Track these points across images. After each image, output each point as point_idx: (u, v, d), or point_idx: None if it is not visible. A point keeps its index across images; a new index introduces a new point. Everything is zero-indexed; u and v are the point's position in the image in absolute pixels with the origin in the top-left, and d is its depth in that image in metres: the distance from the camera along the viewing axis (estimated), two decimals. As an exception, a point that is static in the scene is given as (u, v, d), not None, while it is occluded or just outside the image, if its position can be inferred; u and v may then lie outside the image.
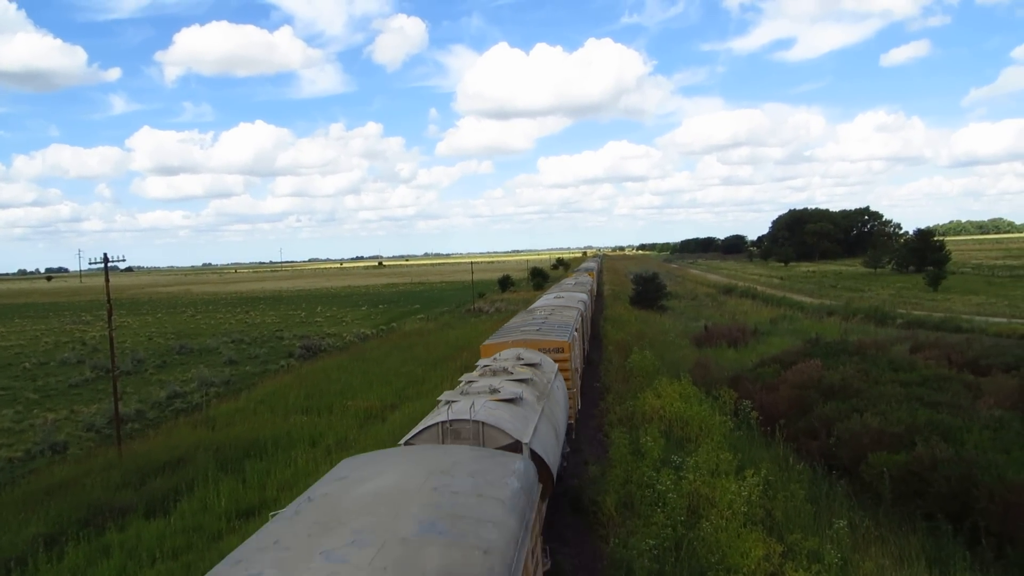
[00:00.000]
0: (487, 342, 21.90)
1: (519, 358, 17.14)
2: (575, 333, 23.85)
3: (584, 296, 38.47)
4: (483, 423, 11.24)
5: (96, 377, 43.31)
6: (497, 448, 10.60)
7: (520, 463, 9.07)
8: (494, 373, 15.25)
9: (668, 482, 13.72)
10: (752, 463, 15.91)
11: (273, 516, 7.26)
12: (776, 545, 11.42)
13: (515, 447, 10.97)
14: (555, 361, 18.83)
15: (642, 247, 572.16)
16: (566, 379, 19.12)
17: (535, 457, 11.18)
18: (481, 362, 17.61)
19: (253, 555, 6.11)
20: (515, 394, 13.09)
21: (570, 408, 18.61)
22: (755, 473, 13.94)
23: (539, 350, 19.06)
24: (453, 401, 12.54)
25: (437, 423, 11.44)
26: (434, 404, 14.47)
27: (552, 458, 12.52)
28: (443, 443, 11.06)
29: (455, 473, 7.95)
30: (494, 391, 13.11)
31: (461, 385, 14.42)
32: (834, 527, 12.38)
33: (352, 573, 5.54)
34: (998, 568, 12.62)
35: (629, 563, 11.39)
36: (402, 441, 11.52)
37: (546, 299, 36.54)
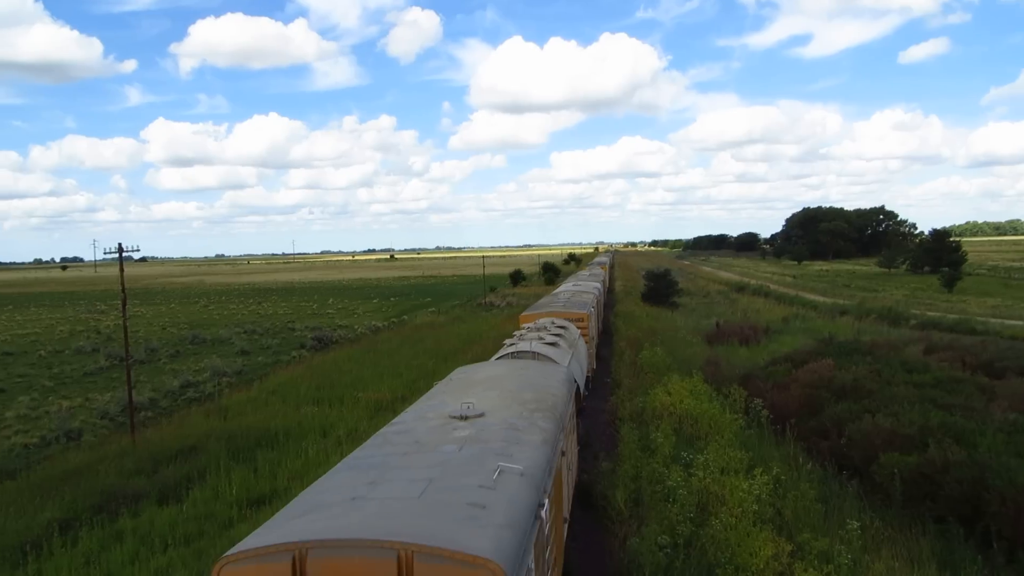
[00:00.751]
0: (526, 313, 28.20)
1: (552, 323, 22.59)
2: (592, 309, 29.72)
3: (598, 284, 46.83)
4: (537, 352, 16.67)
5: (110, 365, 43.72)
6: None
7: (564, 367, 15.67)
8: (537, 330, 20.63)
9: (678, 478, 13.72)
10: (762, 461, 15.87)
11: (436, 383, 13.06)
12: (785, 544, 11.39)
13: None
14: (577, 327, 23.74)
15: (654, 243, 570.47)
16: (586, 341, 24.18)
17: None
18: (524, 325, 23.40)
19: (433, 396, 11.48)
20: (554, 340, 18.87)
21: (588, 363, 23.57)
22: (765, 472, 13.91)
23: (565, 319, 24.28)
24: (514, 343, 18.63)
25: (507, 353, 17.28)
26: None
27: (580, 381, 18.03)
28: None
29: (529, 369, 13.98)
30: (540, 338, 18.67)
31: (515, 336, 20.30)
32: (846, 527, 12.34)
33: (491, 398, 10.64)
34: (1010, 572, 12.56)
35: (639, 559, 11.41)
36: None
37: (567, 286, 44.85)
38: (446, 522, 5.97)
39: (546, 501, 7.70)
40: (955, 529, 13.29)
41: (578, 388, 16.73)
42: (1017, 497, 13.12)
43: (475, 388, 11.63)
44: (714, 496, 13.41)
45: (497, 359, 16.91)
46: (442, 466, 7.35)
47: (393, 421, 9.82)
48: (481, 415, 9.39)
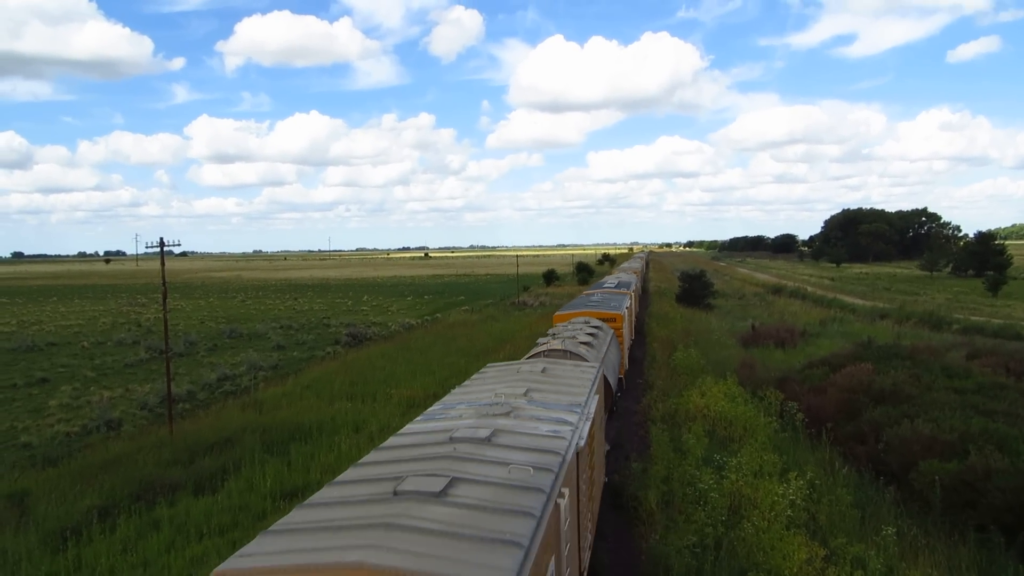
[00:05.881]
0: (617, 269, 58.99)
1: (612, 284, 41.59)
2: (640, 276, 59.58)
3: (641, 264, 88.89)
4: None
5: (150, 358, 44.57)
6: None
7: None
8: (622, 271, 44.64)
9: (710, 481, 13.57)
10: (797, 465, 15.64)
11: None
12: (819, 549, 11.21)
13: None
14: (632, 274, 51.11)
15: (689, 244, 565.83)
16: (636, 276, 48.19)
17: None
18: (609, 278, 42.95)
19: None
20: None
21: (637, 278, 45.18)
22: (800, 476, 13.70)
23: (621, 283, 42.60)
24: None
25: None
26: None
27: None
28: None
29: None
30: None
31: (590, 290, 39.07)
32: (881, 534, 12.10)
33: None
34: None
35: (668, 559, 11.31)
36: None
37: (619, 270, 69.31)
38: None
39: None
40: (996, 538, 12.95)
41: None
42: (1062, 507, 12.74)
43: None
44: (747, 499, 13.25)
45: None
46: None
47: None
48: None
